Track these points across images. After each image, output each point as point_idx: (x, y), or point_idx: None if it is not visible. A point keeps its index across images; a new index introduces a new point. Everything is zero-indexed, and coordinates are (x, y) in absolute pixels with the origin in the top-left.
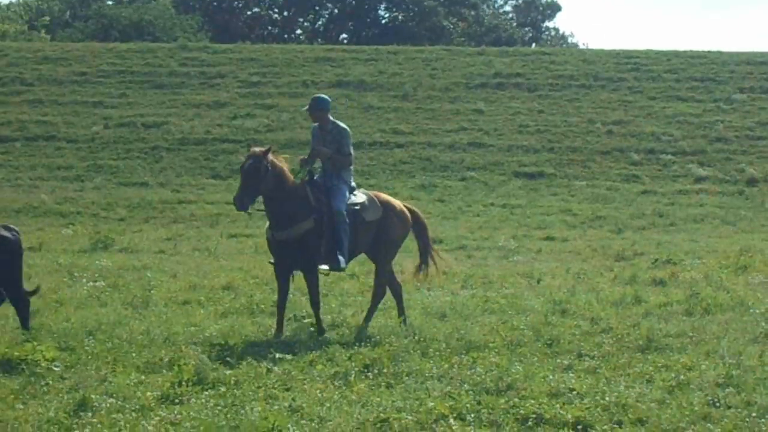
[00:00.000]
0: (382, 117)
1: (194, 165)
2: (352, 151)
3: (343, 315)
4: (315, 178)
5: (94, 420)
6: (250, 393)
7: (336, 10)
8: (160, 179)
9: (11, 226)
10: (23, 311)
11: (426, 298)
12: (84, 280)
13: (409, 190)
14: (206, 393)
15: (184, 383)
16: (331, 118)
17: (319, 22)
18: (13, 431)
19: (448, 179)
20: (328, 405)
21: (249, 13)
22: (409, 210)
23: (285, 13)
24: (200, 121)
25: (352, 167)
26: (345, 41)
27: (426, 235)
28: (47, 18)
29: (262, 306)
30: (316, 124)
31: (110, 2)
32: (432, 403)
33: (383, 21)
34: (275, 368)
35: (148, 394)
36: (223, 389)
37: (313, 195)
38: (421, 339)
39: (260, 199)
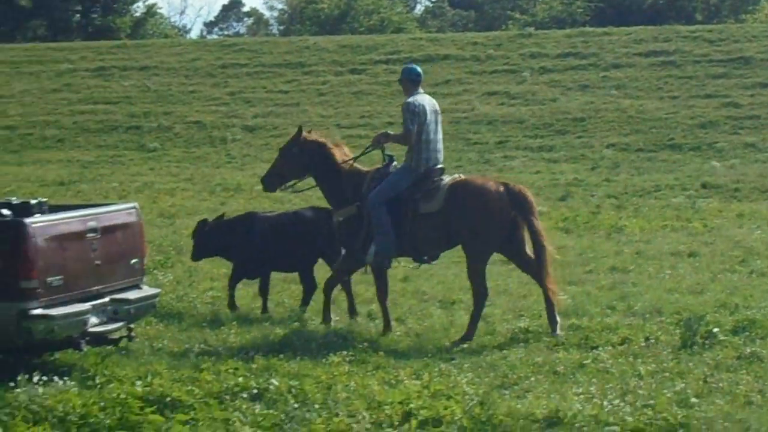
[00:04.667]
0: None
1: None
2: (411, 127)
3: None
4: (393, 163)
5: None
6: None
7: None
8: None
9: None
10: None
11: None
12: None
13: None
14: None
15: None
16: (420, 91)
17: None
18: None
19: None
20: None
21: None
22: (507, 189)
23: None
24: None
25: (426, 148)
26: None
27: (531, 218)
28: None
29: None
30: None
31: None
32: None
33: None
34: None
35: None
36: None
37: (371, 180)
38: None
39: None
